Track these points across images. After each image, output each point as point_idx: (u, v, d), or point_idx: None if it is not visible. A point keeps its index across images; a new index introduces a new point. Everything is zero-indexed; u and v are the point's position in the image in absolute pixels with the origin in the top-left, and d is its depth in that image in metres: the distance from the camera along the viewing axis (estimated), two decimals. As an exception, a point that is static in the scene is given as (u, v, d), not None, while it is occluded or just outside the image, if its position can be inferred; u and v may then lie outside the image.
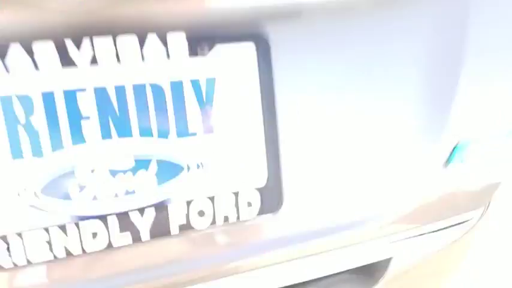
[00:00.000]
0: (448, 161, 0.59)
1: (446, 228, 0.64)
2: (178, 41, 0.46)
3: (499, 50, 0.57)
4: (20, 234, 0.46)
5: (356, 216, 0.58)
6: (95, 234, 0.49)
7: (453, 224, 0.65)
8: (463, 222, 0.66)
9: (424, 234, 0.64)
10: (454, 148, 0.58)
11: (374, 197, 0.58)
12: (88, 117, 0.46)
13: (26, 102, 0.43)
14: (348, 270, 0.67)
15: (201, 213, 0.52)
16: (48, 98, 0.44)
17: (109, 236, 0.50)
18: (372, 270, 0.68)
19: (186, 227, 0.52)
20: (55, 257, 0.48)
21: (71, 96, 0.45)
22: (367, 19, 0.51)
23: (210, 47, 0.47)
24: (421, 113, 0.56)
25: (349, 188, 0.57)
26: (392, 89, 0.54)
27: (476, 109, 0.58)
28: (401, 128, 0.56)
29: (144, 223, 0.50)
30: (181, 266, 0.53)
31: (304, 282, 0.64)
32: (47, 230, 0.47)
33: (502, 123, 0.60)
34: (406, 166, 0.58)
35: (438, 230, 0.64)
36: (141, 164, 0.49)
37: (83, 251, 0.49)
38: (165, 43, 0.45)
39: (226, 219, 0.53)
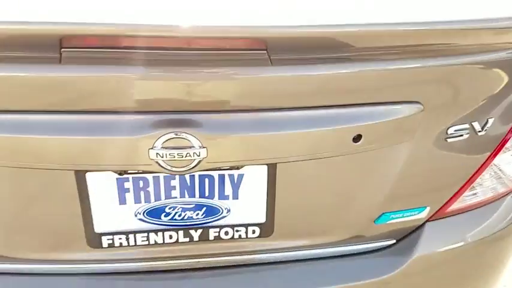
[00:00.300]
0: (376, 221, 1.00)
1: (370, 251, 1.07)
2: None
3: None
4: (134, 232, 0.92)
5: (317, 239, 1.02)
6: (170, 236, 0.95)
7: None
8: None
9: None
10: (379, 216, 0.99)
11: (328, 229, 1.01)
12: (174, 187, 0.88)
13: (145, 181, 0.86)
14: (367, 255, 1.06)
15: (226, 233, 0.96)
16: (156, 180, 0.86)
17: (178, 238, 0.95)
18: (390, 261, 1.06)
19: (217, 238, 0.96)
20: (149, 243, 0.94)
21: (167, 179, 0.87)
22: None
23: (242, 166, 0.87)
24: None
25: (315, 224, 1.00)
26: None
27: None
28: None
29: (195, 234, 0.95)
30: (212, 255, 1.00)
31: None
32: (147, 232, 0.93)
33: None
34: (353, 216, 1.00)
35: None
36: (199, 206, 0.92)
37: (163, 242, 0.95)
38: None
39: (240, 237, 0.97)
